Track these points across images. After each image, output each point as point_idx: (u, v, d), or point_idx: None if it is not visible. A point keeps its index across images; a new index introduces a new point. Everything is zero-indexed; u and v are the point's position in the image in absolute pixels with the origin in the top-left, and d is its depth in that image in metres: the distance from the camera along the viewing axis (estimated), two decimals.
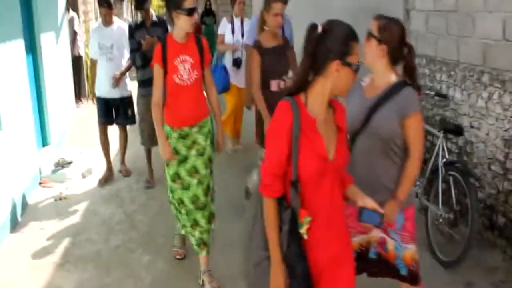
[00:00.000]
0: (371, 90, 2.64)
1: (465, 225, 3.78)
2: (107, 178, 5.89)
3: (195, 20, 3.63)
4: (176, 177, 3.72)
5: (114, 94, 5.71)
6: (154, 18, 5.45)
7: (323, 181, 2.00)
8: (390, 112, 2.53)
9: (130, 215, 5.01)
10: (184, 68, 3.63)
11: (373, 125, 2.55)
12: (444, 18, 4.59)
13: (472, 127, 4.18)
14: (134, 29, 5.40)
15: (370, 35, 2.60)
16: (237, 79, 6.29)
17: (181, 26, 3.61)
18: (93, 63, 5.85)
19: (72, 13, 9.77)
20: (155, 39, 5.13)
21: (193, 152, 3.71)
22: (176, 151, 3.70)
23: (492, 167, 3.95)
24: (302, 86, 2.05)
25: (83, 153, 6.82)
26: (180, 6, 3.55)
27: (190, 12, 3.56)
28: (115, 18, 5.74)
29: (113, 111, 5.85)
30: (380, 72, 2.63)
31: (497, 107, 3.86)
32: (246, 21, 6.48)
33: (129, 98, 5.90)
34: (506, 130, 3.76)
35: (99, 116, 5.87)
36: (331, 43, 1.97)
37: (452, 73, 4.49)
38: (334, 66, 1.96)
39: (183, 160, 3.71)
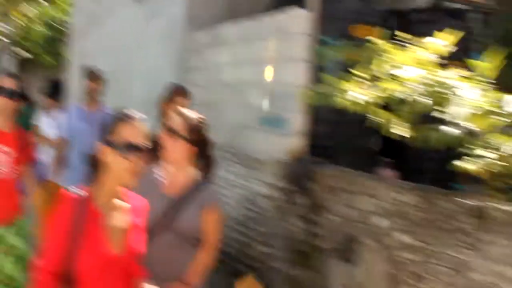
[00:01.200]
0: (171, 187, 2.51)
1: None
2: None
3: None
4: None
5: None
6: None
7: (107, 277, 1.88)
8: (195, 210, 2.46)
9: None
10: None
11: (179, 224, 2.43)
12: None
13: None
14: None
15: (174, 132, 2.43)
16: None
17: None
18: None
19: None
20: None
21: (10, 258, 3.09)
22: None
23: None
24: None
25: None
26: None
27: None
28: None
29: None
30: (182, 169, 2.52)
31: None
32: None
33: None
34: None
35: None
36: None
37: None
38: (100, 148, 1.88)
39: None
